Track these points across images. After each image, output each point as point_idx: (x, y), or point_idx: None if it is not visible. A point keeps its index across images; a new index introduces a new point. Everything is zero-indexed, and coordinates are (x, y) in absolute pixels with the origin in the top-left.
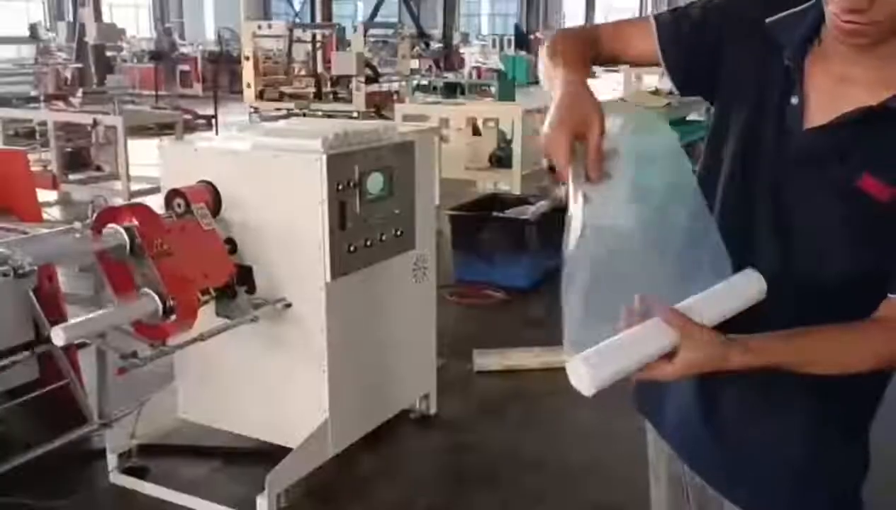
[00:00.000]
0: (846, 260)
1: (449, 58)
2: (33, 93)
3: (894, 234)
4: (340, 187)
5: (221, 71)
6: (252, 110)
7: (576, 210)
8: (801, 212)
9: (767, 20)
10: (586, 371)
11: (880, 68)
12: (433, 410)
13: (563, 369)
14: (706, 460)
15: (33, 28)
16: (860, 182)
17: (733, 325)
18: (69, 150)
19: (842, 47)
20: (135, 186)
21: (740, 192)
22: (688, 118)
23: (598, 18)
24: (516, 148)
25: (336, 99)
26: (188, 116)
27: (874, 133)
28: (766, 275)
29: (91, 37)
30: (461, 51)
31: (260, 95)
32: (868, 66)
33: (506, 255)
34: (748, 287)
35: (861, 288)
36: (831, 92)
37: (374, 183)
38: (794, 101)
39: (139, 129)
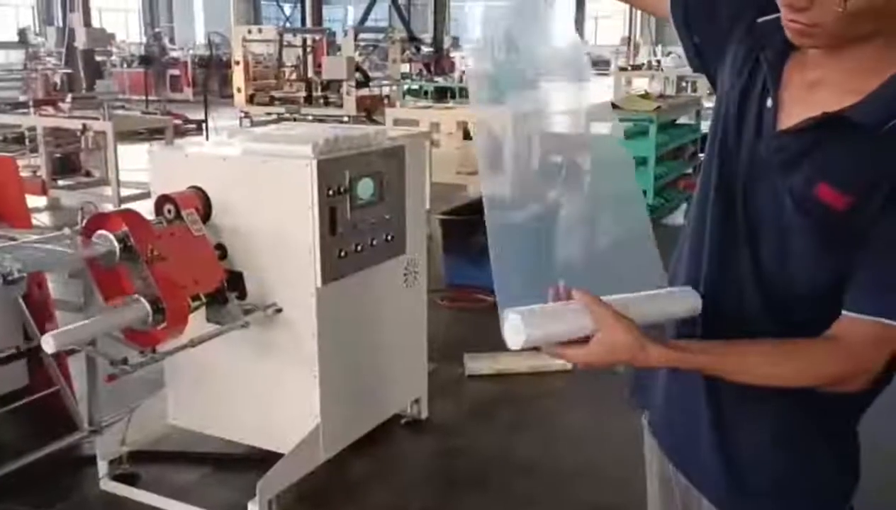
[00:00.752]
0: (809, 266)
1: (439, 62)
2: (22, 98)
3: (850, 245)
4: (331, 192)
5: (212, 75)
6: (242, 115)
7: None
8: (767, 215)
9: (759, 20)
10: (523, 328)
11: (848, 74)
12: (424, 414)
13: (554, 373)
14: (690, 460)
15: (22, 33)
16: (816, 190)
17: (710, 334)
18: (58, 155)
19: (816, 53)
20: (124, 192)
21: (724, 195)
22: (678, 121)
23: (588, 22)
24: None
25: (326, 103)
26: (178, 121)
27: (834, 141)
28: (740, 278)
29: (80, 42)
30: (451, 55)
31: (250, 100)
32: (836, 70)
33: None
34: (683, 301)
35: (828, 295)
36: (803, 97)
37: (365, 188)
38: (769, 104)
39: (129, 134)
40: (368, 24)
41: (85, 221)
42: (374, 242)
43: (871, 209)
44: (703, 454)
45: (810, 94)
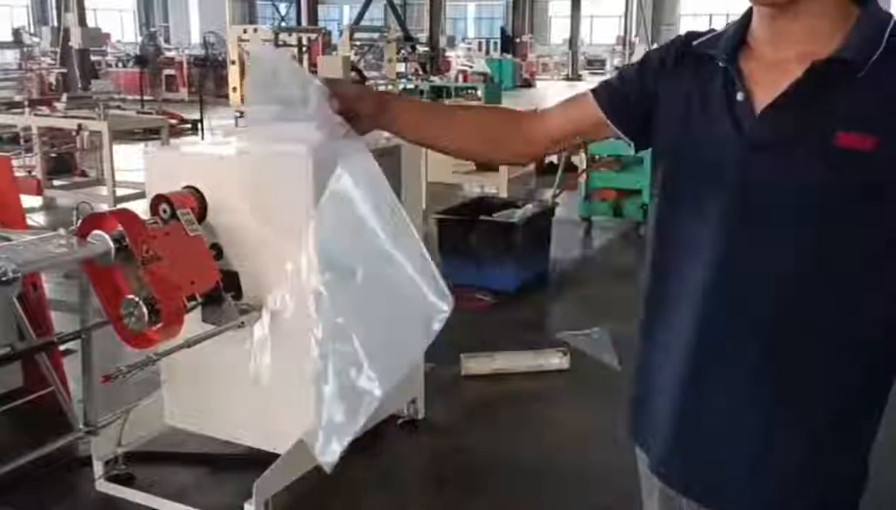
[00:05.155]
0: (852, 229)
1: (435, 61)
2: (17, 98)
3: (888, 182)
4: None
5: (207, 75)
6: (238, 114)
7: None
8: (775, 194)
9: (694, 42)
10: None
11: (803, 40)
12: (421, 415)
13: (551, 372)
14: (695, 480)
15: (17, 33)
16: (836, 140)
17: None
18: (54, 155)
19: (764, 32)
20: (120, 191)
21: (696, 208)
22: None
23: (584, 22)
24: None
25: None
26: (174, 121)
27: (827, 91)
28: (742, 271)
29: (75, 41)
30: (447, 54)
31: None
32: (793, 42)
33: (493, 258)
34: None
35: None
36: (770, 78)
37: None
38: (740, 97)
39: (124, 134)
40: (364, 23)
41: (80, 221)
42: None
43: None
44: (736, 482)
45: (775, 72)
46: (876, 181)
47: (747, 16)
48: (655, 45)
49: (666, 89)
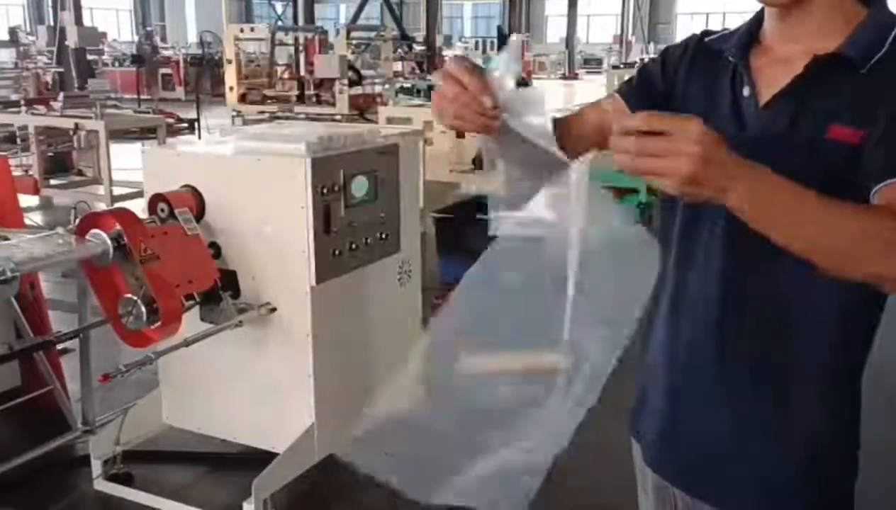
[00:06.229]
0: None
1: (432, 60)
2: (14, 97)
3: (870, 164)
4: (325, 191)
5: (204, 74)
6: (234, 114)
7: None
8: None
9: (706, 39)
10: None
11: (811, 39)
12: None
13: (548, 372)
14: (707, 484)
15: (13, 32)
16: (828, 133)
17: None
18: (51, 154)
19: (774, 29)
20: (117, 191)
21: (697, 210)
22: None
23: (581, 21)
24: None
25: (319, 102)
26: (170, 120)
27: (826, 86)
28: (739, 274)
29: (72, 40)
30: (444, 53)
31: (242, 99)
32: (801, 39)
33: None
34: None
35: None
36: (777, 74)
37: (359, 186)
38: (746, 92)
39: (121, 133)
40: (360, 22)
41: (78, 220)
42: (369, 241)
43: (876, 135)
44: (731, 478)
45: (782, 68)
46: (855, 177)
47: (760, 14)
48: (652, 44)
49: (684, 88)
